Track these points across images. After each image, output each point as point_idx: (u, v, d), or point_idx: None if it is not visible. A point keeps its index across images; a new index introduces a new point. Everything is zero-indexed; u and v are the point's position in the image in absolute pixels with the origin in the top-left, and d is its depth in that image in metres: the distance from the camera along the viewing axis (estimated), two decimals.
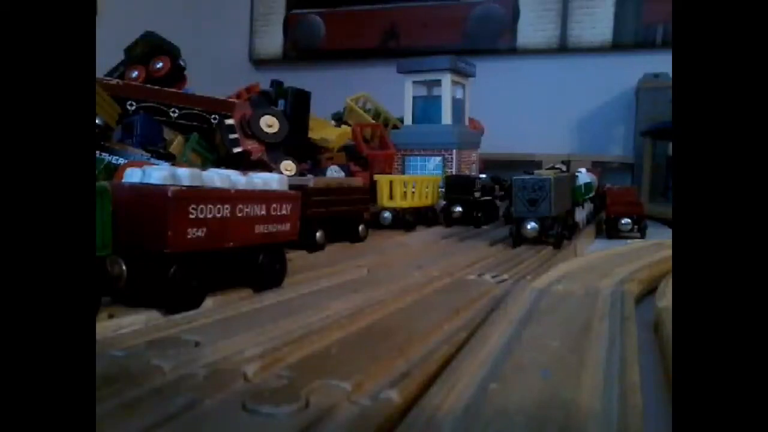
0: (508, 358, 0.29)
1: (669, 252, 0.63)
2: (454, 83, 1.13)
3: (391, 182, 0.86)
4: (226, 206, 0.38)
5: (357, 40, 2.31)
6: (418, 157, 1.13)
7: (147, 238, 0.35)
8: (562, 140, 2.05)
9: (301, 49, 2.39)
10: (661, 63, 1.79)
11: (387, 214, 0.85)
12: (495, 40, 2.13)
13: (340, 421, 0.21)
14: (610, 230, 0.89)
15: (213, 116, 1.05)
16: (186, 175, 0.37)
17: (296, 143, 1.01)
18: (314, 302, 0.39)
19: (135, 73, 1.14)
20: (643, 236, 0.86)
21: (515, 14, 2.11)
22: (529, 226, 0.69)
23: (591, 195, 0.96)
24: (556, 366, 0.28)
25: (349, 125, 1.27)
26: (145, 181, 0.36)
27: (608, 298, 0.43)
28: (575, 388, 0.25)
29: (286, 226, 0.44)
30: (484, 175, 1.02)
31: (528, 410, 0.23)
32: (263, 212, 0.42)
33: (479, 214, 0.92)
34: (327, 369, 0.26)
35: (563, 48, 2.05)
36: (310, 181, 0.65)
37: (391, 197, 0.85)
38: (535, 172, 0.78)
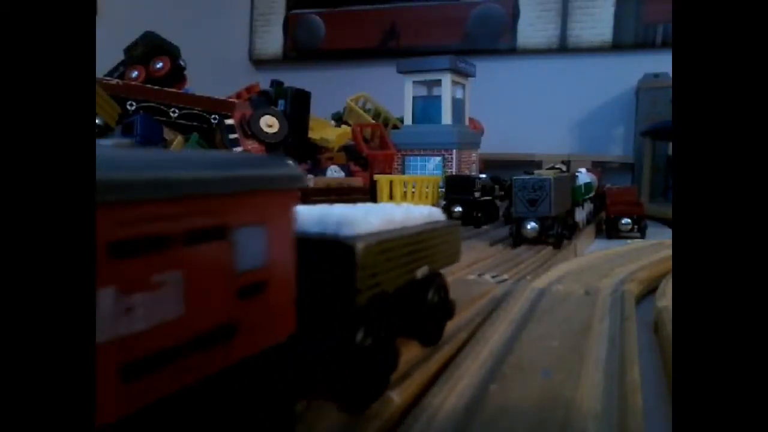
0: (508, 358, 0.29)
1: (669, 252, 0.63)
2: (454, 83, 1.13)
3: (391, 182, 0.86)
4: None
5: (357, 40, 2.31)
6: (418, 157, 1.13)
7: None
8: (562, 140, 2.05)
9: (301, 49, 2.39)
10: (661, 63, 1.79)
11: None
12: (495, 40, 2.13)
13: (341, 422, 0.21)
14: (610, 230, 0.89)
15: (213, 116, 1.05)
16: None
17: (296, 143, 1.01)
18: None
19: (135, 73, 1.14)
20: (643, 236, 0.86)
21: (515, 14, 2.11)
22: (529, 226, 0.69)
23: (591, 195, 0.96)
24: (556, 366, 0.28)
25: (349, 125, 1.27)
26: None
27: (608, 298, 0.43)
28: (575, 388, 0.25)
29: None
30: (484, 175, 1.02)
31: (528, 410, 0.23)
32: None
33: (479, 214, 0.92)
34: None
35: (563, 48, 2.05)
36: (310, 181, 0.65)
37: (391, 197, 0.85)
38: (535, 172, 0.78)
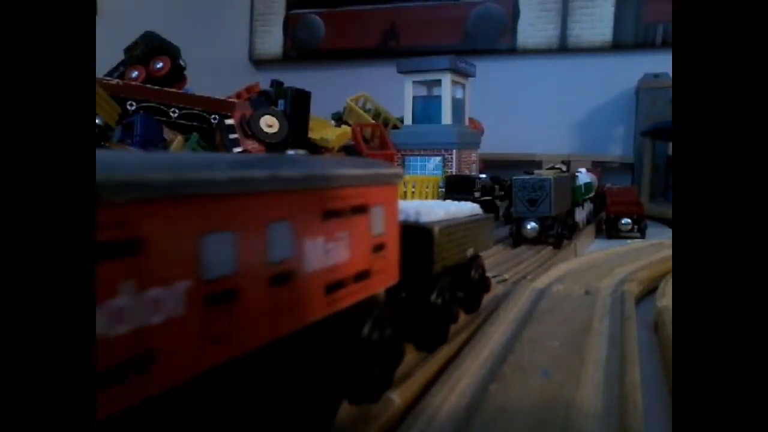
0: (508, 358, 0.29)
1: (669, 252, 0.63)
2: (454, 83, 1.13)
3: None
4: None
5: (357, 40, 2.31)
6: (418, 157, 1.12)
7: None
8: (562, 140, 2.05)
9: (301, 49, 2.39)
10: (661, 63, 1.78)
11: None
12: (495, 40, 2.13)
13: (342, 423, 0.21)
14: (610, 230, 0.89)
15: (213, 116, 1.05)
16: None
17: (296, 143, 1.01)
18: None
19: (135, 73, 1.14)
20: (643, 236, 0.86)
21: (515, 14, 2.11)
22: (529, 226, 0.69)
23: (591, 195, 0.96)
24: (556, 366, 0.28)
25: (349, 125, 1.27)
26: None
27: (608, 298, 0.43)
28: (575, 388, 0.25)
29: None
30: (484, 175, 1.02)
31: (528, 410, 0.23)
32: None
33: None
34: None
35: (563, 48, 2.05)
36: None
37: None
38: (535, 172, 0.78)
